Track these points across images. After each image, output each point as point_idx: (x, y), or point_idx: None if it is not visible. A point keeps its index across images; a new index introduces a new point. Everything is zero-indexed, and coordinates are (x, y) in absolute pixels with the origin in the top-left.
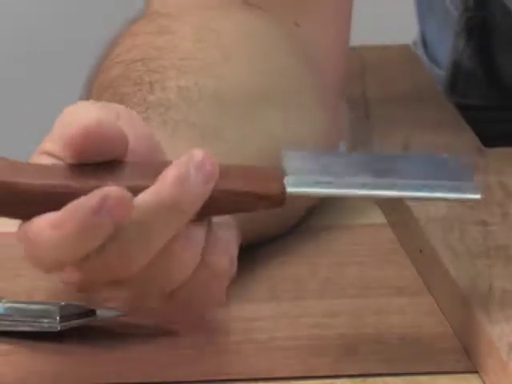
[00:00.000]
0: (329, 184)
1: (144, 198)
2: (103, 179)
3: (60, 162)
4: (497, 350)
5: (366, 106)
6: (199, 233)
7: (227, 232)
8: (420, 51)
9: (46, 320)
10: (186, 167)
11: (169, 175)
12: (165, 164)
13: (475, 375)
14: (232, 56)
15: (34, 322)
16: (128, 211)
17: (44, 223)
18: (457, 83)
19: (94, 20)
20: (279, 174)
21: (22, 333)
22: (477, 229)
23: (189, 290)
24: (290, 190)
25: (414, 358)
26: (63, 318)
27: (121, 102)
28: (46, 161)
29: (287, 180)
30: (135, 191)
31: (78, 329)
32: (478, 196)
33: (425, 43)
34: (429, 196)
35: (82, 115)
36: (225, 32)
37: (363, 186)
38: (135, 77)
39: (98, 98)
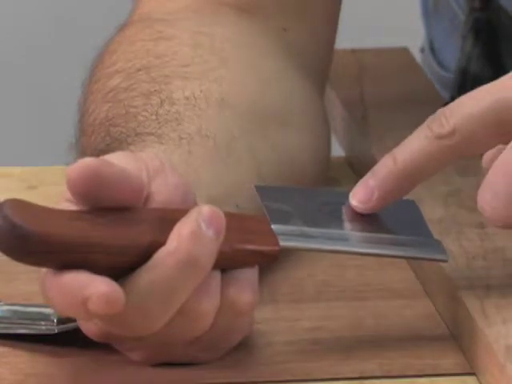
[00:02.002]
0: (316, 239)
1: (161, 257)
2: (116, 230)
3: (81, 209)
4: (494, 352)
5: (363, 108)
6: (213, 279)
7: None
8: (428, 56)
9: (43, 322)
10: (198, 223)
11: (183, 233)
12: (177, 212)
13: (473, 377)
14: (228, 60)
15: (32, 324)
16: (115, 307)
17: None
18: (465, 85)
19: (94, 17)
20: (271, 229)
21: (19, 335)
22: (474, 231)
23: (214, 332)
24: (283, 244)
25: (412, 360)
26: (60, 321)
27: (126, 114)
28: (67, 207)
29: (276, 230)
30: (152, 247)
31: (75, 331)
32: (446, 257)
33: (432, 48)
34: (404, 255)
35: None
36: (218, 37)
37: (349, 241)
38: (140, 88)
39: (97, 109)
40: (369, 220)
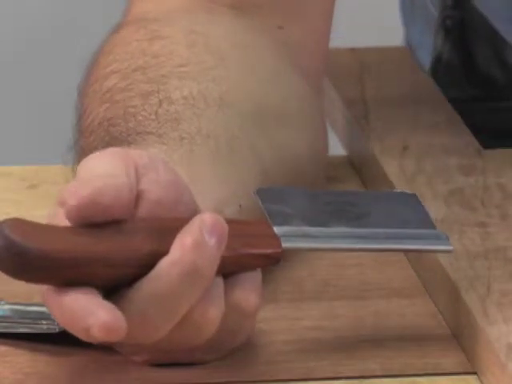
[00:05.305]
0: (318, 238)
1: (164, 267)
2: (116, 243)
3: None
4: (495, 351)
5: (364, 107)
6: (217, 286)
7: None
8: None
9: (44, 322)
10: (200, 233)
11: (186, 243)
12: (175, 221)
13: (474, 376)
14: (225, 59)
15: (33, 323)
16: (116, 336)
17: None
18: (437, 78)
19: (93, 15)
20: (272, 231)
21: (20, 334)
22: (475, 230)
23: (219, 335)
24: (285, 245)
25: (413, 359)
26: None
27: (125, 114)
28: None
29: (278, 232)
30: (152, 256)
31: None
32: (450, 248)
33: (410, 47)
34: (409, 248)
35: (91, 176)
36: (213, 36)
37: (352, 238)
38: (137, 88)
39: (95, 110)
40: (371, 216)
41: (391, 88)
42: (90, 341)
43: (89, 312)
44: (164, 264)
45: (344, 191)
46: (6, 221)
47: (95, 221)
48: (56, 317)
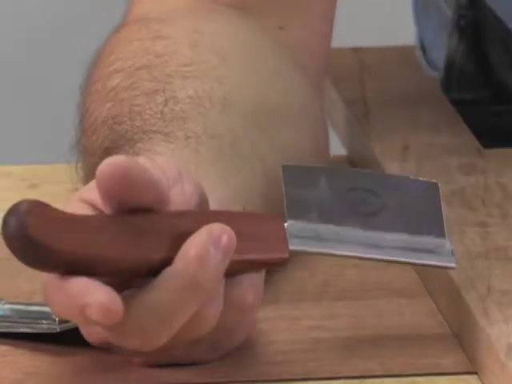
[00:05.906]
0: (326, 242)
1: (166, 279)
2: (129, 247)
3: (98, 215)
4: (495, 351)
5: (365, 106)
6: (218, 286)
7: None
8: (418, 55)
9: (45, 321)
10: (206, 246)
11: (190, 255)
12: (192, 222)
13: (474, 376)
14: (228, 59)
15: (34, 323)
16: (112, 318)
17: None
18: (451, 79)
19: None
20: (283, 232)
21: (21, 334)
22: (476, 230)
23: (216, 333)
24: (292, 248)
25: (413, 359)
26: (62, 320)
27: (130, 112)
28: (82, 209)
29: (289, 230)
30: (162, 263)
31: (76, 330)
32: (453, 265)
33: (423, 47)
34: (414, 262)
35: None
36: (215, 36)
37: (358, 246)
38: (142, 87)
39: (98, 108)
40: (386, 212)
41: (391, 88)
42: (85, 324)
43: (88, 291)
44: (166, 275)
45: (369, 174)
46: (24, 204)
47: (124, 201)
48: (53, 300)
